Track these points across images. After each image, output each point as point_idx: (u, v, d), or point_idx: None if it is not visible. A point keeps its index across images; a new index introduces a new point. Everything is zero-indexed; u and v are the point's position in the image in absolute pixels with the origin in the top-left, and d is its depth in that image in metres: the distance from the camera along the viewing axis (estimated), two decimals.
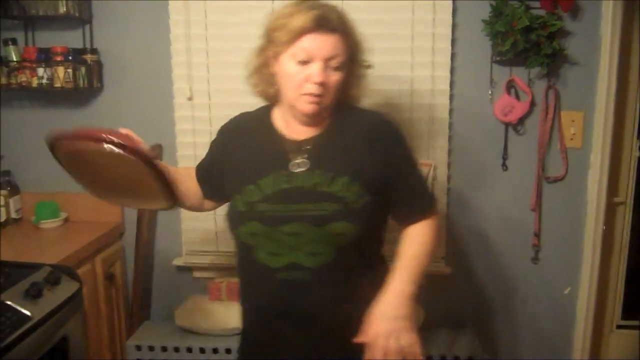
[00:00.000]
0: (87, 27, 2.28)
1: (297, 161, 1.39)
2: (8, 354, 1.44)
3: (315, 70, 1.30)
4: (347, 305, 1.36)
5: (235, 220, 1.42)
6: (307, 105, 1.34)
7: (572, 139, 2.22)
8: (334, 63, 1.32)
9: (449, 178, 2.26)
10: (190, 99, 2.25)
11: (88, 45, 2.27)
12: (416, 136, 2.21)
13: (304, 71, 1.31)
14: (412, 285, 1.34)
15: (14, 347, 1.47)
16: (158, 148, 2.29)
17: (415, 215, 1.43)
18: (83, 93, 2.30)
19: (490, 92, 2.19)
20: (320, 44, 1.30)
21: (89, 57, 2.24)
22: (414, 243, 1.41)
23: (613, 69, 2.14)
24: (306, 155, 1.39)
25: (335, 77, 1.33)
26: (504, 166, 2.25)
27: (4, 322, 1.49)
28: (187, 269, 2.40)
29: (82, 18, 2.24)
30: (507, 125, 2.22)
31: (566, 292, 2.33)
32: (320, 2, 1.35)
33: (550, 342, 2.37)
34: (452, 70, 2.19)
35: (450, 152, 2.24)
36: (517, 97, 2.19)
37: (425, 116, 2.21)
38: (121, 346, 2.32)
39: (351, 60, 1.37)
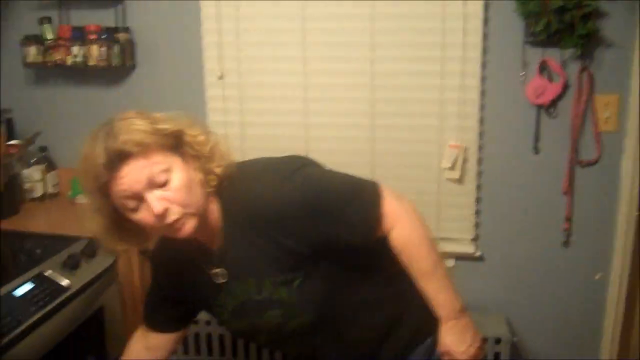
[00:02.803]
0: (120, 6, 2.30)
1: (215, 271, 1.24)
2: (48, 322, 1.50)
3: (149, 206, 1.07)
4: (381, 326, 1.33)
5: None
6: (179, 233, 1.11)
7: (606, 123, 2.18)
8: (160, 178, 1.07)
9: (480, 161, 2.25)
10: (220, 78, 2.28)
11: (120, 24, 2.30)
12: (446, 117, 2.21)
13: (143, 212, 1.08)
14: (456, 308, 1.27)
15: (54, 315, 1.52)
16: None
17: (371, 226, 1.21)
18: (116, 71, 2.35)
19: (522, 74, 2.16)
20: (131, 181, 1.05)
21: (121, 36, 2.27)
22: (415, 258, 1.24)
23: None
24: (222, 265, 1.24)
25: (175, 184, 1.08)
26: (536, 149, 2.22)
27: (43, 292, 1.55)
28: None
29: None
30: (539, 107, 2.19)
31: (597, 277, 2.30)
32: (98, 131, 1.08)
33: (580, 327, 2.36)
34: (484, 51, 2.16)
35: (481, 134, 2.23)
36: (550, 79, 2.16)
37: (456, 97, 2.19)
38: None
39: (177, 148, 1.12)
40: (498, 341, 2.13)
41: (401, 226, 1.22)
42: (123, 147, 1.04)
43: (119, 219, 1.13)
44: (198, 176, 1.13)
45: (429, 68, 2.18)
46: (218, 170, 1.16)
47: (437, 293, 1.26)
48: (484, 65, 2.17)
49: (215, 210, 1.19)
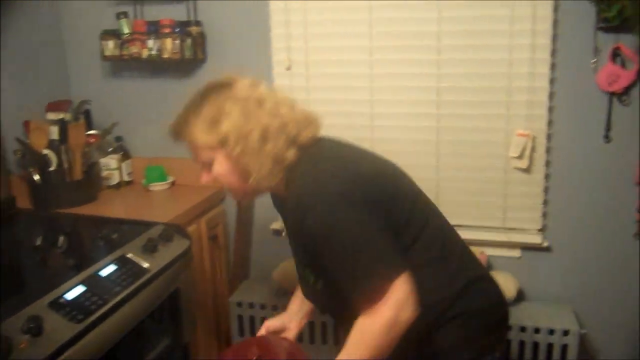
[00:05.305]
0: (191, 0, 2.38)
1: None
2: (131, 301, 1.58)
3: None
4: None
5: None
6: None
7: None
8: (202, 159, 1.40)
9: (548, 150, 2.21)
10: (288, 69, 2.33)
11: (192, 18, 2.38)
12: (514, 106, 2.18)
13: None
14: None
15: (136, 295, 1.60)
16: None
17: (353, 304, 1.24)
18: (188, 64, 2.42)
19: (593, 61, 2.12)
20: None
21: (193, 29, 2.34)
22: (356, 346, 1.24)
23: None
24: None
25: (216, 169, 1.38)
26: (607, 138, 2.17)
27: (126, 273, 1.63)
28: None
29: None
30: (611, 95, 2.14)
31: None
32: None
33: None
34: (554, 38, 2.12)
35: (550, 123, 2.19)
36: (623, 66, 2.11)
37: (525, 85, 2.16)
38: (223, 303, 2.47)
39: (222, 144, 1.34)
40: (566, 333, 2.11)
41: (379, 318, 1.20)
42: (177, 125, 1.47)
43: None
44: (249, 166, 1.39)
45: (497, 56, 2.16)
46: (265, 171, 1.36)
47: None
48: (553, 52, 2.13)
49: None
